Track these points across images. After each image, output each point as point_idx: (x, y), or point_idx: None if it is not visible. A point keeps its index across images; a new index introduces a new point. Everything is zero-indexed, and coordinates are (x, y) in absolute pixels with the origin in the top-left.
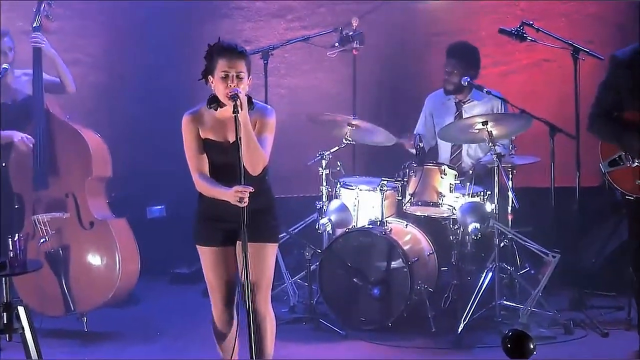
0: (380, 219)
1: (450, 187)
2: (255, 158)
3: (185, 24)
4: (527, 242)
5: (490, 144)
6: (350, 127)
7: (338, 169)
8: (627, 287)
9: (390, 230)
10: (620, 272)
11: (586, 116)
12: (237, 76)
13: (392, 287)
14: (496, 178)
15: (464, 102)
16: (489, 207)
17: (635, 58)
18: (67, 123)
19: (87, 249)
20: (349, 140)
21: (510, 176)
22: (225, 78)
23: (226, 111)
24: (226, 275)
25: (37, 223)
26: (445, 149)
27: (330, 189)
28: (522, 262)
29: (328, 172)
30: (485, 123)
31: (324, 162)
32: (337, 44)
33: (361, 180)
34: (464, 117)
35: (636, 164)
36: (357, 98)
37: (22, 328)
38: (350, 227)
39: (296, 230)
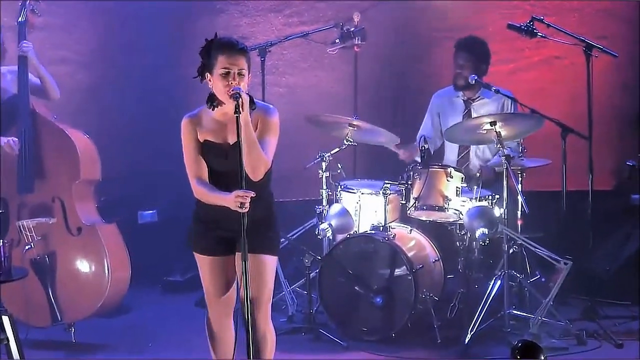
0: (383, 224)
1: (456, 191)
2: (256, 162)
3: (179, 20)
4: (537, 248)
5: (498, 146)
6: (351, 128)
7: (339, 171)
8: None
9: (394, 235)
10: (635, 280)
11: (599, 116)
12: (239, 73)
13: (396, 296)
14: (505, 181)
15: (473, 100)
16: (498, 211)
17: None
18: (53, 123)
19: (74, 255)
20: (350, 142)
21: (520, 179)
22: (226, 75)
23: (225, 111)
24: (225, 285)
25: (22, 229)
26: (452, 150)
27: (330, 193)
28: (532, 269)
29: (328, 175)
30: (493, 123)
31: (324, 164)
32: (337, 41)
33: (363, 183)
34: (472, 115)
35: None
36: (359, 97)
37: (7, 339)
38: (351, 232)
39: (295, 236)
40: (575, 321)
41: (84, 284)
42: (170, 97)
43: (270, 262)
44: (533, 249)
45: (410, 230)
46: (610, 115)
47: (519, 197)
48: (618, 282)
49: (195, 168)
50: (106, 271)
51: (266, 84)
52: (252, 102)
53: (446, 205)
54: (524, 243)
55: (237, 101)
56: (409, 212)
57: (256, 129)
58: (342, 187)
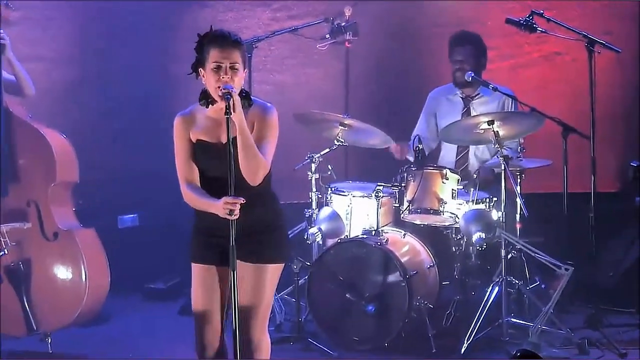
0: (375, 229)
1: (452, 193)
2: (253, 165)
3: (162, 15)
4: (537, 253)
5: (496, 146)
6: (342, 128)
7: (329, 173)
8: None
9: (387, 240)
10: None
11: (602, 114)
12: (232, 67)
13: (389, 304)
14: (503, 183)
15: (473, 98)
16: (495, 215)
17: None
18: (28, 123)
19: (50, 262)
20: (341, 142)
21: (519, 181)
22: (218, 70)
23: (220, 108)
24: (216, 299)
25: None
26: (449, 151)
27: (320, 196)
28: (532, 275)
29: (318, 177)
30: (491, 122)
31: (313, 166)
32: (328, 36)
33: (354, 185)
34: (472, 114)
35: None
36: (350, 95)
37: None
38: (342, 237)
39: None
40: (577, 330)
41: (60, 292)
42: (154, 95)
43: (273, 271)
44: (533, 254)
45: (404, 234)
46: (614, 114)
47: (518, 200)
48: (622, 289)
49: (185, 171)
50: (84, 278)
51: (253, 82)
52: (248, 98)
53: (441, 209)
54: (523, 248)
55: (228, 102)
56: (402, 215)
57: (253, 128)
58: (333, 189)
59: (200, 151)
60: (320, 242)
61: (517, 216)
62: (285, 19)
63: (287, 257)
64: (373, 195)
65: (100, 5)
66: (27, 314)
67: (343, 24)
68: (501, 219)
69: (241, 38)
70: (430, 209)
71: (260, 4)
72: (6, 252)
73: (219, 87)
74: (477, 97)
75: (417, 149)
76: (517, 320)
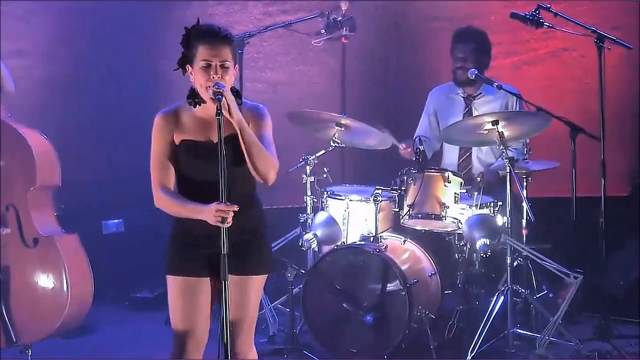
0: (373, 234)
1: (455, 197)
2: (264, 165)
3: (149, 9)
4: (544, 260)
5: (501, 147)
6: (338, 128)
7: (325, 176)
8: None
9: (386, 247)
10: None
11: (612, 114)
12: (222, 66)
13: (388, 314)
14: (508, 187)
15: (475, 97)
16: (500, 220)
17: None
18: (7, 123)
19: (30, 270)
20: (338, 143)
21: (525, 184)
22: (207, 68)
23: (209, 108)
24: (199, 315)
25: None
26: (451, 153)
27: (315, 200)
28: (539, 284)
29: (313, 180)
30: (495, 122)
31: (308, 168)
32: (323, 31)
33: (352, 189)
34: (474, 114)
35: None
36: (347, 94)
37: None
38: (339, 243)
39: (276, 248)
40: (587, 341)
41: (41, 301)
42: (141, 95)
43: (259, 283)
44: (540, 261)
45: (404, 241)
46: (624, 113)
47: (524, 204)
48: (633, 298)
49: (161, 174)
50: (65, 287)
51: (244, 80)
52: (238, 96)
53: (443, 214)
54: (529, 255)
55: (220, 102)
56: (402, 221)
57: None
58: (329, 193)
59: (185, 152)
60: (316, 249)
61: (524, 221)
62: (278, 14)
63: (272, 268)
64: (371, 199)
65: (85, 1)
66: (5, 324)
67: (339, 18)
68: (506, 224)
69: (231, 33)
70: (432, 214)
71: None
72: None
73: (209, 86)
74: (479, 96)
75: (418, 150)
76: (524, 332)
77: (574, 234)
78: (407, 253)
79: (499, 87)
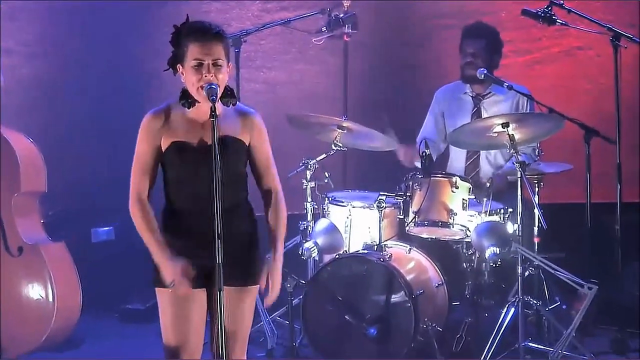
0: (377, 243)
1: (463, 204)
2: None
3: (142, 6)
4: (557, 270)
5: (511, 151)
6: (340, 130)
7: (326, 181)
8: None
9: (390, 256)
10: None
11: (629, 116)
12: (214, 64)
13: (393, 326)
14: (519, 192)
15: (484, 97)
16: (511, 228)
17: None
18: None
19: (14, 280)
20: (339, 146)
21: (537, 189)
22: (199, 67)
23: (203, 109)
24: (191, 329)
25: None
26: (459, 156)
27: (316, 206)
28: (552, 295)
29: (313, 185)
30: (505, 125)
31: (308, 173)
32: (324, 29)
33: (354, 195)
34: (483, 115)
35: None
36: (349, 95)
37: None
38: (340, 252)
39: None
40: (602, 355)
41: (26, 313)
42: (134, 94)
43: (253, 293)
44: (552, 271)
45: (409, 249)
46: None
47: (536, 211)
48: None
49: (140, 180)
50: (51, 298)
51: (241, 80)
52: (233, 96)
53: (451, 221)
54: (541, 264)
55: (214, 103)
56: (407, 228)
57: (240, 134)
58: (330, 199)
59: (175, 154)
60: (317, 258)
61: (535, 229)
62: (277, 10)
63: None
64: (375, 205)
65: None
66: None
67: (341, 15)
68: (517, 232)
69: (224, 30)
70: (439, 221)
71: None
72: None
73: (201, 86)
74: (488, 95)
75: (424, 154)
76: (535, 345)
77: (588, 242)
78: (413, 262)
79: (510, 88)
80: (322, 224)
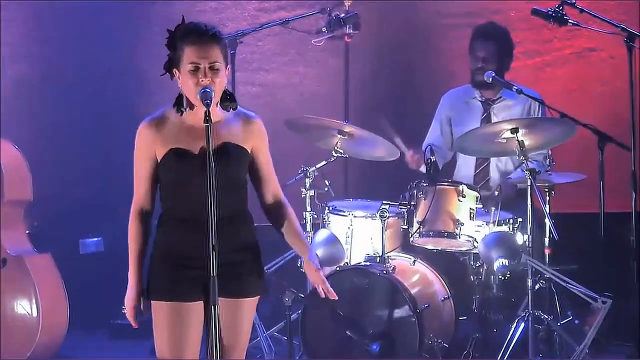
0: (380, 255)
1: (470, 213)
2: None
3: (126, 5)
4: (569, 283)
5: (521, 158)
6: (341, 136)
7: (326, 189)
8: None
9: (394, 268)
10: None
11: None
12: (212, 68)
13: (396, 342)
14: (529, 201)
15: (494, 102)
16: (521, 238)
17: None
18: None
19: None
20: (340, 153)
21: (548, 199)
22: (195, 71)
23: (201, 115)
24: (187, 344)
25: None
26: (467, 163)
27: (315, 216)
28: (564, 309)
29: (313, 194)
30: (515, 130)
31: (307, 181)
32: (324, 29)
33: (356, 204)
34: (493, 121)
35: None
36: (350, 98)
37: None
38: (341, 264)
39: (272, 269)
40: None
41: (9, 329)
42: (121, 99)
43: (251, 305)
44: (564, 284)
45: (414, 261)
46: None
47: (547, 221)
48: None
49: (140, 191)
50: (36, 312)
51: (237, 83)
52: (232, 100)
53: (457, 231)
54: (552, 277)
55: (208, 108)
56: (412, 239)
57: (237, 137)
58: (330, 208)
59: (173, 162)
60: None
61: (546, 240)
62: (275, 10)
63: (265, 289)
64: (377, 215)
65: None
66: None
67: (342, 15)
68: (527, 243)
69: (220, 31)
70: (445, 232)
71: None
72: None
73: (198, 90)
74: (498, 100)
75: (429, 161)
76: None
77: (602, 253)
78: (417, 275)
79: (519, 92)
80: (322, 234)
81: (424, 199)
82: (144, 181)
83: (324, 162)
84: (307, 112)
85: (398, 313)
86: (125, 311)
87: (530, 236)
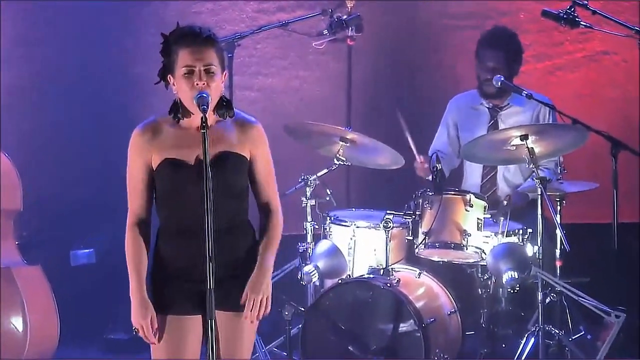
0: (384, 267)
1: (477, 224)
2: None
3: (125, 5)
4: (581, 297)
5: (531, 166)
6: (343, 143)
7: (327, 198)
8: None
9: (398, 281)
10: None
11: None
12: (207, 71)
13: (401, 358)
14: (539, 211)
15: (501, 108)
16: (530, 250)
17: None
18: None
19: None
20: (342, 161)
21: (559, 208)
22: (190, 74)
23: (197, 122)
24: (185, 358)
25: None
26: (474, 172)
27: (317, 226)
28: (575, 323)
29: (314, 204)
30: (524, 137)
31: (308, 190)
32: (326, 32)
33: (358, 214)
34: (499, 127)
35: None
36: (353, 103)
37: None
38: (343, 276)
39: (271, 282)
40: None
41: None
42: (115, 102)
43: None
44: (576, 297)
45: (419, 273)
46: None
47: (558, 232)
48: None
49: (135, 201)
50: (22, 327)
51: (234, 87)
52: (229, 107)
53: (464, 242)
54: (563, 290)
55: (205, 114)
56: (417, 250)
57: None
58: (332, 218)
59: (168, 171)
60: (317, 283)
61: (557, 251)
62: (274, 11)
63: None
64: (381, 225)
65: None
66: None
67: (344, 17)
68: (537, 255)
69: (215, 34)
70: (451, 243)
71: None
72: None
73: (194, 94)
74: (506, 107)
75: (435, 169)
76: None
77: (615, 266)
78: (423, 288)
79: (529, 97)
80: (323, 245)
81: (430, 209)
82: (139, 191)
83: (325, 170)
84: (308, 117)
85: (403, 327)
86: (137, 331)
87: (541, 247)
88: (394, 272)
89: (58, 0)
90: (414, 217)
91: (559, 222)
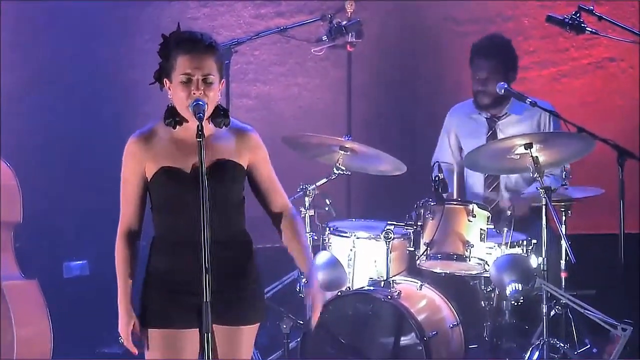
0: (385, 278)
1: (480, 234)
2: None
3: (119, 9)
4: (587, 309)
5: (535, 175)
6: (342, 152)
7: (327, 209)
8: None
9: (399, 293)
10: None
11: None
12: (205, 80)
13: None
14: (544, 221)
15: (499, 118)
16: (535, 261)
17: None
18: None
19: None
20: (342, 170)
21: (564, 218)
22: (188, 83)
23: (192, 130)
24: None
25: None
26: (476, 182)
27: (316, 237)
28: (581, 337)
29: (313, 214)
30: (528, 146)
31: (307, 200)
32: (325, 38)
33: (358, 224)
34: (498, 137)
35: None
36: (353, 111)
37: None
38: (343, 289)
39: (269, 294)
40: None
41: None
42: (109, 109)
43: (250, 333)
44: (581, 310)
45: (421, 285)
46: None
47: (563, 243)
48: None
49: (127, 210)
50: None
51: (231, 95)
52: (226, 116)
53: (467, 253)
54: (569, 303)
55: (201, 122)
56: (418, 262)
57: (234, 154)
58: (332, 229)
59: (164, 180)
60: None
61: (562, 263)
62: (272, 17)
63: (265, 315)
64: (382, 236)
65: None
66: None
67: (344, 22)
68: (542, 266)
69: (216, 41)
70: (454, 254)
71: None
72: None
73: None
74: (504, 117)
75: (437, 178)
76: None
77: (622, 277)
78: (425, 300)
79: (533, 104)
80: (322, 257)
81: (432, 219)
82: (131, 200)
83: (324, 180)
84: (307, 125)
85: (404, 341)
86: (122, 340)
87: (545, 259)
88: (395, 284)
89: (54, 1)
90: (415, 227)
91: (564, 232)
